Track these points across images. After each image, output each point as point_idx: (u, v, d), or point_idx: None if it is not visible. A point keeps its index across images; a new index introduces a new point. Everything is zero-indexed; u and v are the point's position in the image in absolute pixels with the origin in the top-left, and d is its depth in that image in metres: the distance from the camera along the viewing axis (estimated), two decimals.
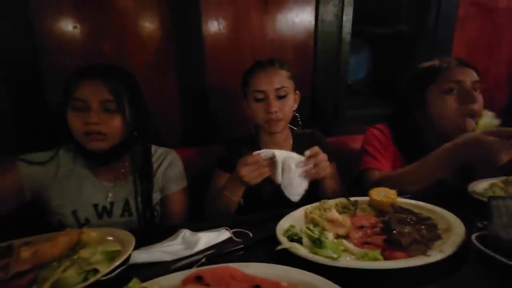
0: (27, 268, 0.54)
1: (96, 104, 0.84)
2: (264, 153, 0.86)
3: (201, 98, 1.44)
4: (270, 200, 1.07)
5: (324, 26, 1.54)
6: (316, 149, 0.87)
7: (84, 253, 0.58)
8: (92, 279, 0.51)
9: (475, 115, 0.98)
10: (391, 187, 0.78)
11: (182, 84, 1.41)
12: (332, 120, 1.64)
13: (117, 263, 0.55)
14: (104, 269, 0.54)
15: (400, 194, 0.79)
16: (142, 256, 0.62)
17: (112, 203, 0.93)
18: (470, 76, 1.00)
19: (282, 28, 1.50)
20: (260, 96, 1.03)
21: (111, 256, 0.59)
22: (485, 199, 0.78)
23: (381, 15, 1.81)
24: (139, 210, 0.94)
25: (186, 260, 0.61)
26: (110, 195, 0.93)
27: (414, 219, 0.67)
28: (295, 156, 0.87)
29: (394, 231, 0.58)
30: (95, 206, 0.92)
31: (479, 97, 0.99)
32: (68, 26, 1.24)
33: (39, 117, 1.25)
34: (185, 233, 0.70)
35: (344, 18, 1.55)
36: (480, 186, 0.90)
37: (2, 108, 1.23)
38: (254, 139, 1.16)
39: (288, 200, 0.87)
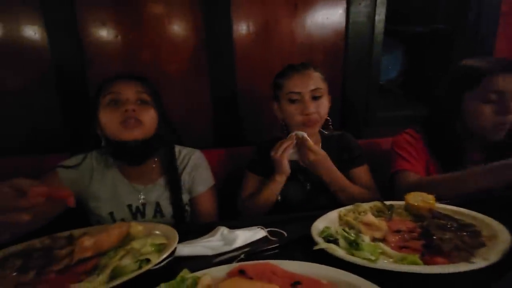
0: (89, 255, 0.61)
1: (132, 95, 0.91)
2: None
3: (232, 101, 1.49)
4: (300, 204, 1.08)
5: (356, 27, 1.52)
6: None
7: (135, 244, 0.64)
8: (145, 267, 0.57)
9: (506, 127, 0.95)
10: (431, 192, 0.77)
11: (214, 89, 1.47)
12: (363, 122, 1.61)
13: (166, 254, 0.60)
14: (154, 259, 0.59)
15: (438, 199, 0.77)
16: (186, 249, 0.67)
17: (144, 205, 0.99)
18: None
19: (311, 30, 1.50)
20: (296, 97, 1.04)
21: (159, 248, 0.65)
22: None
23: (416, 13, 1.75)
24: (170, 212, 0.99)
25: (226, 255, 0.65)
26: (142, 196, 0.99)
27: (455, 225, 0.65)
28: None
29: (434, 237, 0.57)
30: (129, 206, 0.98)
31: None
32: (110, 36, 1.35)
33: (85, 122, 1.38)
34: (223, 230, 0.74)
35: (377, 18, 1.52)
36: None
37: (55, 115, 1.37)
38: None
39: (318, 204, 0.88)
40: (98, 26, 1.35)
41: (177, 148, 1.07)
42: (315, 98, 1.05)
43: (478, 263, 0.50)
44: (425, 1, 1.76)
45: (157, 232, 0.74)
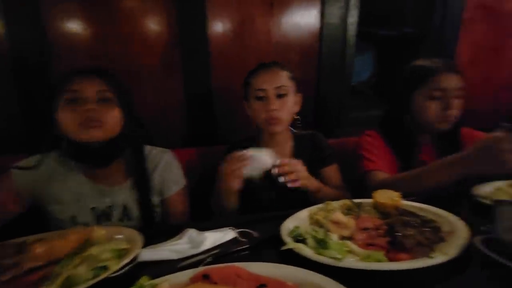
0: (40, 264, 0.56)
1: (92, 94, 0.84)
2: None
3: (206, 100, 1.46)
4: (270, 204, 1.08)
5: (329, 28, 1.55)
6: (284, 160, 0.93)
7: (94, 250, 0.60)
8: (102, 276, 0.53)
9: (451, 120, 1.06)
10: (396, 190, 0.79)
11: (188, 87, 1.43)
12: (335, 122, 1.64)
13: (126, 261, 0.57)
14: (113, 266, 0.55)
15: (404, 196, 0.80)
16: (149, 254, 0.64)
17: (110, 207, 0.94)
18: (454, 83, 1.04)
19: (287, 30, 1.51)
20: (261, 94, 1.04)
21: (119, 254, 0.61)
22: (489, 203, 0.79)
23: (387, 17, 1.82)
24: (138, 215, 0.94)
25: (193, 259, 0.63)
26: (107, 199, 0.93)
27: (418, 221, 0.67)
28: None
29: (398, 233, 0.59)
30: (93, 210, 0.92)
31: (459, 104, 1.06)
32: (79, 29, 1.27)
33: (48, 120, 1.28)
34: (191, 232, 0.71)
35: (349, 20, 1.55)
36: (484, 189, 0.90)
37: (12, 112, 1.26)
38: (255, 140, 1.16)
39: (289, 203, 0.88)
40: (65, 18, 1.26)
41: (147, 148, 1.02)
42: (280, 96, 1.04)
43: (437, 258, 0.52)
44: (394, 5, 1.83)
45: (120, 237, 0.69)
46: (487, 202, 0.80)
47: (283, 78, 1.06)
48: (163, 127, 1.43)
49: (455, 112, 1.05)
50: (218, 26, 1.42)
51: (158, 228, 0.95)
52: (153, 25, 1.35)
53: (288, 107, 1.06)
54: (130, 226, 0.92)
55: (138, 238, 0.66)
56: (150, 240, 0.69)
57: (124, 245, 0.63)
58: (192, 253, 0.65)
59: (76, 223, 0.91)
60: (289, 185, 0.91)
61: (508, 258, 0.49)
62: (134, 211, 0.95)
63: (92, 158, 0.88)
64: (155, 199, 0.99)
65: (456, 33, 1.72)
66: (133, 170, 0.96)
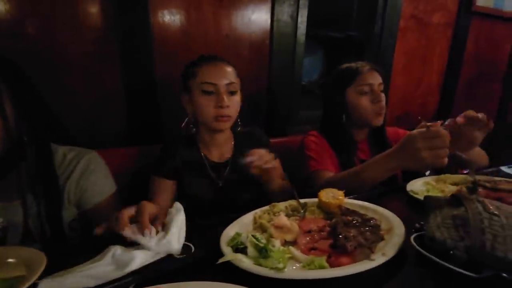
0: None
1: None
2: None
3: (149, 92, 1.31)
4: (212, 203, 1.01)
5: (280, 25, 1.53)
6: (257, 151, 0.87)
7: None
8: None
9: (382, 112, 1.16)
10: (339, 188, 0.79)
11: (127, 77, 1.26)
12: (286, 120, 1.64)
13: None
14: None
15: (348, 194, 0.80)
16: (55, 283, 0.50)
17: (5, 229, 0.71)
18: (377, 79, 1.16)
19: (237, 24, 1.44)
20: (210, 88, 0.96)
21: (9, 284, 0.47)
22: (421, 198, 0.85)
23: (335, 20, 1.88)
24: (42, 235, 0.75)
25: (115, 284, 0.52)
26: (0, 219, 0.71)
27: (360, 220, 0.67)
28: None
29: (340, 235, 0.57)
30: None
31: (384, 97, 1.16)
32: None
33: None
34: (116, 250, 0.59)
35: (299, 19, 1.56)
36: (417, 184, 0.96)
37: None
38: (194, 138, 1.08)
39: (233, 203, 0.82)
40: None
41: (62, 149, 0.83)
42: (230, 93, 0.99)
43: (377, 260, 0.51)
44: (342, 9, 1.90)
45: (11, 260, 0.54)
46: (419, 197, 0.85)
47: (233, 75, 1.00)
48: (98, 122, 1.25)
49: (382, 104, 1.15)
50: (162, 12, 1.28)
51: (74, 247, 0.77)
52: (83, 3, 1.16)
53: (237, 104, 1.01)
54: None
55: (40, 261, 0.53)
56: (63, 263, 0.56)
57: (17, 272, 0.50)
58: (115, 277, 0.53)
59: None
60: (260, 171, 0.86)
61: (438, 255, 0.50)
62: (38, 229, 0.76)
63: None
64: (70, 212, 0.82)
65: (393, 41, 1.86)
66: (36, 181, 0.75)
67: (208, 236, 0.66)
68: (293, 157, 1.22)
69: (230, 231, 0.64)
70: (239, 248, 0.58)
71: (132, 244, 0.61)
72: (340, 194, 0.77)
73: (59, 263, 0.55)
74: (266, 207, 0.77)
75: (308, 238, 0.61)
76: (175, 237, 0.61)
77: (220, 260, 0.53)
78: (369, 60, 1.79)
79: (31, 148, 0.75)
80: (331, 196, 0.77)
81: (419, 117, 0.90)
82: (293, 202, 0.80)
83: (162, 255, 0.59)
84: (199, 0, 1.34)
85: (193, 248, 0.62)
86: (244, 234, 0.62)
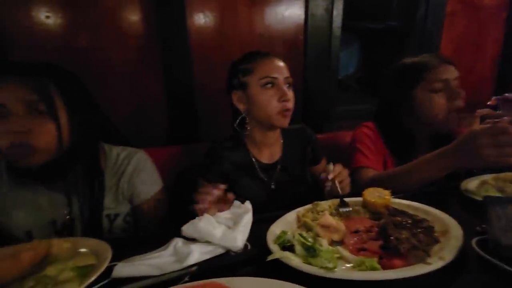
0: None
1: (18, 108, 0.68)
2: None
3: (188, 94, 1.37)
4: (264, 205, 1.00)
5: (314, 20, 1.50)
6: (339, 167, 0.83)
7: (51, 270, 0.52)
8: None
9: (460, 110, 1.01)
10: (386, 187, 0.76)
11: (168, 81, 1.33)
12: (324, 117, 1.60)
13: (90, 280, 0.49)
14: None
15: (393, 193, 0.77)
16: (126, 269, 0.55)
17: (71, 220, 0.81)
18: (453, 73, 1.02)
19: (271, 22, 1.44)
20: (271, 82, 0.95)
21: (84, 271, 0.53)
22: (479, 198, 0.78)
23: (372, 10, 1.79)
24: (106, 226, 0.83)
25: (175, 274, 0.55)
26: (67, 210, 0.81)
27: (410, 221, 0.64)
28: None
29: (391, 237, 0.55)
30: (53, 223, 0.80)
31: (463, 93, 1.02)
32: (39, 15, 1.14)
33: None
34: (177, 242, 0.63)
35: (335, 12, 1.51)
36: (472, 184, 0.89)
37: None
38: (240, 140, 1.05)
39: (282, 204, 0.82)
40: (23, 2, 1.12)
41: (115, 150, 0.90)
42: (288, 86, 0.98)
43: (435, 264, 0.48)
44: (380, 0, 1.80)
45: (84, 250, 0.61)
46: (476, 197, 0.78)
47: (287, 69, 1.00)
48: (141, 126, 1.34)
49: (460, 102, 1.01)
50: (198, 17, 1.33)
51: (136, 238, 0.85)
52: (127, 15, 1.24)
53: (294, 99, 1.00)
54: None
55: (107, 250, 0.58)
56: (128, 252, 0.61)
57: (89, 260, 0.56)
58: (176, 268, 0.56)
59: (33, 239, 0.79)
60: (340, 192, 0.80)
61: (506, 261, 0.46)
62: (80, 224, 0.82)
63: (34, 178, 0.77)
64: (124, 207, 0.88)
65: (440, 27, 1.72)
66: (86, 181, 0.82)
67: (252, 233, 0.67)
68: (333, 154, 1.18)
69: (275, 229, 0.65)
70: (286, 246, 0.58)
71: (193, 240, 0.65)
72: (386, 193, 0.74)
73: (126, 252, 0.61)
74: (309, 206, 0.76)
75: (356, 239, 0.60)
76: (241, 234, 0.63)
77: (269, 258, 0.54)
78: (411, 51, 1.69)
79: (82, 156, 0.81)
80: (377, 195, 0.74)
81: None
82: (336, 202, 0.78)
83: (221, 251, 0.61)
84: (233, 1, 1.37)
85: (249, 246, 0.64)
86: (289, 233, 0.62)
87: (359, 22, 1.71)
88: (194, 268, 0.56)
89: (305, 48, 1.52)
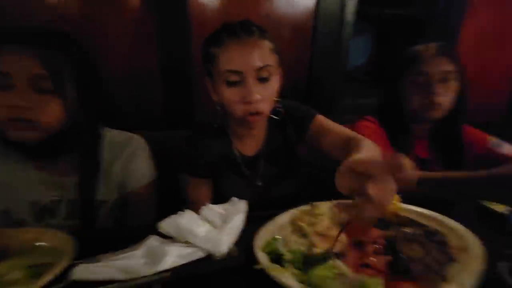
0: None
1: (23, 81, 0.64)
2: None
3: (185, 75, 1.27)
4: (251, 206, 0.90)
5: (326, 3, 1.38)
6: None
7: (1, 267, 0.44)
8: None
9: (437, 107, 0.96)
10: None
11: (164, 58, 1.24)
12: (328, 109, 1.50)
13: (40, 285, 0.42)
14: None
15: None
16: (86, 271, 0.48)
17: (55, 202, 0.75)
18: (440, 67, 0.95)
19: (279, 2, 1.33)
20: (235, 78, 0.74)
21: (37, 271, 0.46)
22: (498, 209, 0.69)
23: None
24: (80, 213, 0.77)
25: (141, 281, 0.47)
26: (56, 191, 0.75)
27: (422, 234, 0.55)
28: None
29: (401, 254, 0.46)
30: (33, 204, 0.74)
31: (448, 90, 0.96)
32: None
33: None
34: (152, 241, 0.55)
35: None
36: None
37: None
38: (224, 129, 0.90)
39: (271, 203, 0.73)
40: None
41: (112, 133, 0.84)
42: (261, 79, 0.76)
43: None
44: None
45: (43, 244, 0.53)
46: (498, 210, 0.69)
47: (265, 53, 0.76)
48: (135, 103, 1.26)
49: (442, 99, 0.95)
50: None
51: (112, 233, 0.76)
52: None
53: (272, 93, 0.79)
54: (76, 227, 0.77)
55: (70, 247, 0.51)
56: (97, 248, 0.54)
57: (45, 258, 0.48)
58: (146, 273, 0.48)
59: (9, 218, 0.73)
60: None
61: None
62: (76, 209, 0.78)
63: (29, 153, 0.71)
64: (112, 194, 0.82)
65: (461, 17, 1.58)
66: (86, 160, 0.77)
67: (240, 236, 0.59)
68: None
69: (264, 234, 0.57)
70: (276, 257, 0.50)
71: (172, 239, 0.56)
72: (396, 198, 0.65)
73: (93, 247, 0.53)
74: (306, 207, 0.68)
75: (358, 252, 0.51)
76: (227, 237, 0.55)
77: (257, 267, 0.46)
78: (431, 41, 1.55)
79: (83, 133, 0.75)
80: None
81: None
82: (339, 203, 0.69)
83: (201, 255, 0.53)
84: None
85: (236, 250, 0.55)
86: (281, 239, 0.54)
87: (376, 7, 1.57)
88: (167, 275, 0.49)
89: (313, 34, 1.41)
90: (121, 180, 0.83)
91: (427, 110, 0.97)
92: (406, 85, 1.01)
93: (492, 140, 1.04)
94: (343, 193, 0.49)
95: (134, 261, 0.51)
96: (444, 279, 0.43)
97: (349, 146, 0.73)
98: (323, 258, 0.47)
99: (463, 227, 0.57)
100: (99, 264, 0.50)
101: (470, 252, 0.49)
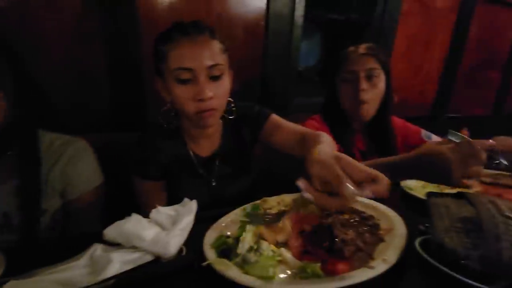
0: None
1: None
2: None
3: (135, 76, 1.21)
4: (204, 205, 0.88)
5: (277, 5, 1.42)
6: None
7: None
8: None
9: (366, 103, 1.05)
10: None
11: (112, 59, 1.16)
12: (281, 107, 1.56)
13: None
14: None
15: None
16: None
17: None
18: (365, 65, 1.04)
19: (231, 2, 1.34)
20: (186, 76, 0.74)
21: None
22: (418, 195, 0.79)
23: (334, 1, 1.76)
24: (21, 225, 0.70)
25: None
26: None
27: (357, 219, 0.61)
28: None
29: (337, 239, 0.51)
30: None
31: (368, 85, 1.04)
32: None
33: None
34: (96, 250, 0.53)
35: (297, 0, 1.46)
36: (411, 180, 0.88)
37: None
38: (177, 130, 0.89)
39: (227, 200, 0.75)
40: None
41: (49, 136, 0.77)
42: (213, 78, 0.76)
43: (378, 268, 0.45)
44: None
45: None
46: (417, 194, 0.79)
47: (216, 53, 0.76)
48: (80, 106, 1.16)
49: (367, 96, 1.03)
50: None
51: (54, 244, 0.71)
52: None
53: (224, 91, 0.80)
54: (11, 243, 0.70)
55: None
56: (37, 262, 0.50)
57: None
58: (88, 283, 0.46)
59: None
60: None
61: (449, 265, 0.45)
62: (17, 220, 0.71)
63: None
64: (54, 202, 0.76)
65: (395, 25, 1.77)
66: (20, 168, 0.71)
67: (190, 235, 0.59)
68: None
69: (214, 231, 0.58)
70: (225, 251, 0.52)
71: (118, 245, 0.54)
72: None
73: (33, 259, 0.50)
74: (257, 202, 0.71)
75: (301, 240, 0.55)
76: (176, 239, 0.54)
77: (204, 263, 0.47)
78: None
79: (19, 134, 0.71)
80: None
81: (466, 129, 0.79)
82: (285, 197, 0.73)
83: (148, 258, 0.52)
84: None
85: (185, 250, 0.55)
86: (230, 235, 0.56)
87: (322, 12, 1.67)
88: (110, 282, 0.47)
89: (265, 35, 1.45)
90: (63, 186, 0.77)
91: (357, 109, 1.06)
92: (339, 83, 1.10)
93: (424, 132, 1.20)
94: (315, 181, 0.52)
95: (75, 271, 0.49)
96: (371, 257, 0.49)
97: (305, 140, 0.78)
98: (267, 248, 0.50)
99: (392, 211, 0.65)
100: (33, 279, 0.46)
101: (396, 231, 0.57)
